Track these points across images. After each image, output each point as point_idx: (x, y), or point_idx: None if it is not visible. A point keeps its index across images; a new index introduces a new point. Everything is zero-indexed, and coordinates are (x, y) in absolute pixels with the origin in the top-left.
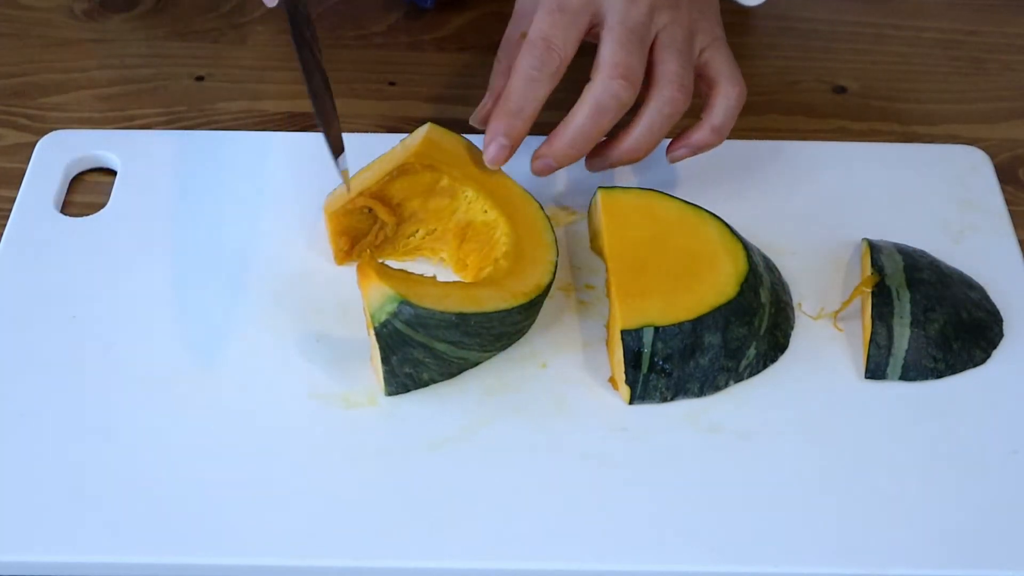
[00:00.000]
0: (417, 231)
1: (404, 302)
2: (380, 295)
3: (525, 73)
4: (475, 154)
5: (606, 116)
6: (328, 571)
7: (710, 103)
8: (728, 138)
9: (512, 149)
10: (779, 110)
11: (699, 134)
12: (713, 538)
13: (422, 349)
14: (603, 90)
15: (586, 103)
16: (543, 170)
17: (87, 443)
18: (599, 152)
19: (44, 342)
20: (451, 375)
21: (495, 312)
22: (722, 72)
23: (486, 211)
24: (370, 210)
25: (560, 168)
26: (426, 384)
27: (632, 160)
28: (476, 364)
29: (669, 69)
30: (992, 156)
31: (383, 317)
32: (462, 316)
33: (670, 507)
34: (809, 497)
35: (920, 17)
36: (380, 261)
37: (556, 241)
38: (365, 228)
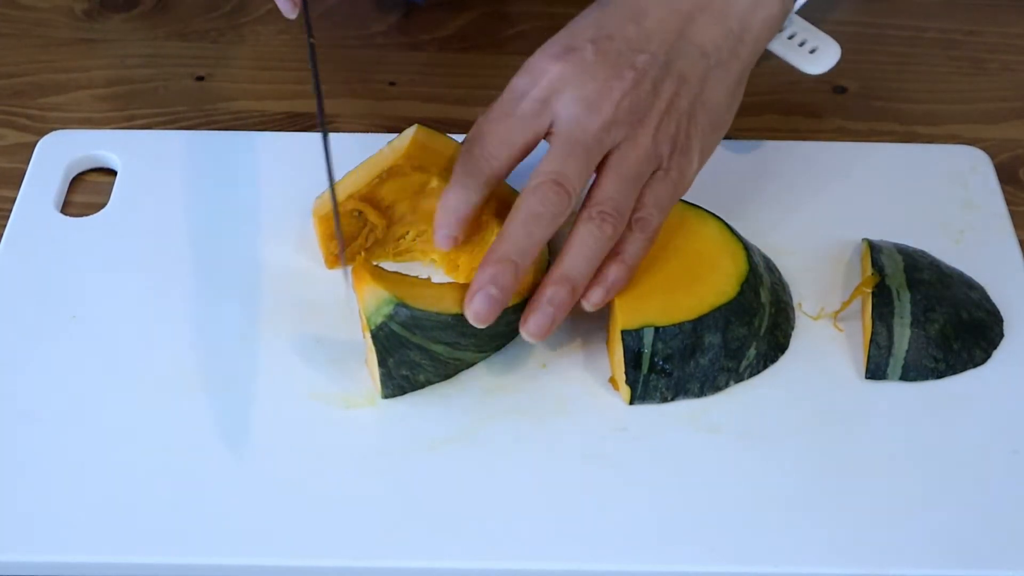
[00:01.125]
0: (407, 233)
1: (400, 304)
2: (376, 298)
3: (530, 211)
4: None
5: (538, 224)
6: (328, 571)
7: (622, 238)
8: (729, 138)
9: (503, 304)
10: (779, 110)
11: (613, 273)
12: (713, 538)
13: (418, 351)
14: (533, 196)
15: (517, 210)
16: (485, 305)
17: (86, 443)
18: (538, 295)
19: (44, 342)
20: (447, 376)
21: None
22: (645, 208)
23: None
24: (359, 213)
25: (503, 297)
26: (422, 386)
27: (570, 293)
28: (471, 365)
29: (603, 193)
30: (992, 156)
31: (379, 320)
32: (458, 317)
33: (670, 507)
34: (809, 497)
35: (920, 17)
36: (374, 263)
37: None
38: (355, 231)
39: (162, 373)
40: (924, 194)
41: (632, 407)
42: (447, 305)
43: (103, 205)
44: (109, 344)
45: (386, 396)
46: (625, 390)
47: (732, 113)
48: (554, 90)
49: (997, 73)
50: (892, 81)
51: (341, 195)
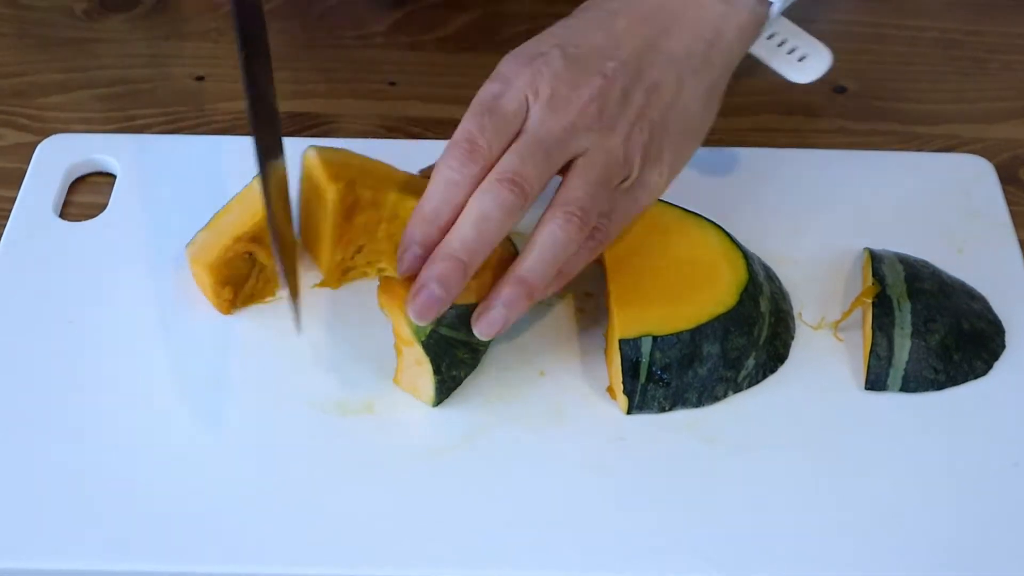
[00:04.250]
0: (350, 253)
1: None
2: None
3: (482, 209)
4: (363, 159)
5: (489, 223)
6: None
7: (528, 240)
8: (727, 145)
9: (446, 303)
10: (779, 110)
11: (506, 289)
12: (711, 548)
13: (464, 347)
14: (487, 194)
15: (470, 208)
16: (428, 303)
17: (83, 448)
18: (494, 293)
19: (41, 346)
20: (474, 368)
21: None
22: (605, 218)
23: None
24: (249, 255)
25: (447, 296)
26: (461, 383)
27: (526, 295)
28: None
29: (569, 194)
30: (992, 156)
31: (428, 329)
32: None
33: (668, 517)
34: (808, 508)
35: (920, 17)
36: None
37: None
38: (245, 272)
39: (160, 378)
40: (926, 203)
41: (630, 416)
42: (479, 292)
43: (102, 206)
44: (107, 348)
45: (438, 403)
46: (623, 399)
47: (707, 123)
48: (523, 95)
49: (997, 73)
50: (892, 81)
51: (225, 238)
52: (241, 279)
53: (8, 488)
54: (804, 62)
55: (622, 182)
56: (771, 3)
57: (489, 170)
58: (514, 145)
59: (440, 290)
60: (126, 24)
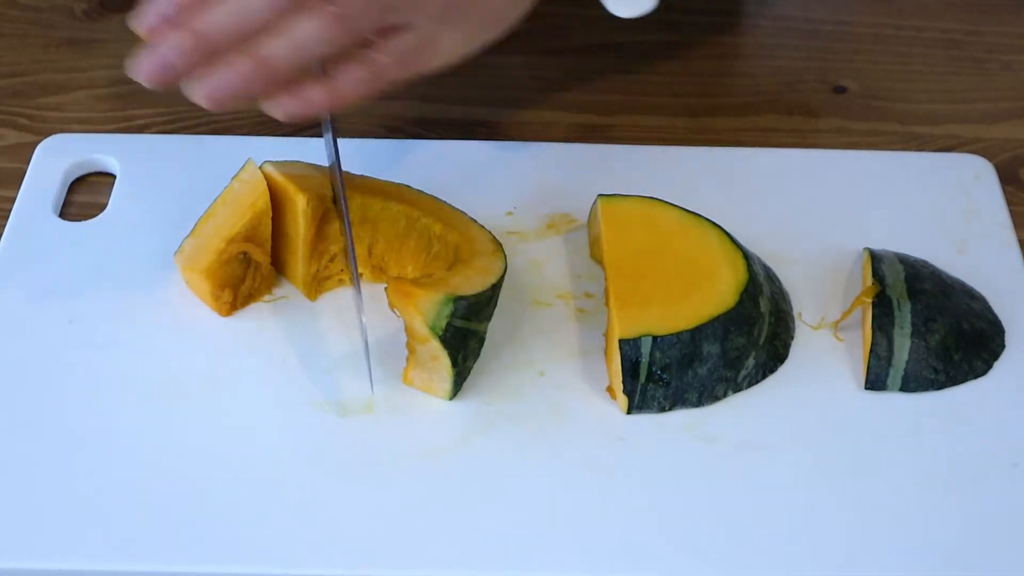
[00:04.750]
0: (324, 263)
1: (458, 298)
2: (433, 304)
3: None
4: (317, 167)
5: (247, 12)
6: None
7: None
8: (727, 145)
9: (171, 74)
10: (779, 110)
11: (314, 92)
12: (711, 549)
13: (475, 337)
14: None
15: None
16: (151, 65)
17: (82, 449)
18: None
19: (41, 346)
20: (479, 356)
21: (503, 274)
22: (382, 50)
23: (381, 208)
24: (244, 255)
25: (178, 65)
26: (469, 373)
27: (263, 66)
28: None
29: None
30: (992, 156)
31: (443, 323)
32: (494, 287)
33: (668, 517)
34: (808, 508)
35: (920, 17)
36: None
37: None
38: (241, 274)
39: (160, 378)
40: (926, 203)
41: (630, 416)
42: (477, 284)
43: (102, 206)
44: (106, 349)
45: (453, 396)
46: (623, 399)
47: (512, 14)
48: None
49: (997, 73)
50: (892, 81)
51: (217, 241)
52: (237, 280)
53: (8, 488)
54: None
55: (408, 25)
56: None
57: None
58: None
59: (173, 54)
60: (126, 24)
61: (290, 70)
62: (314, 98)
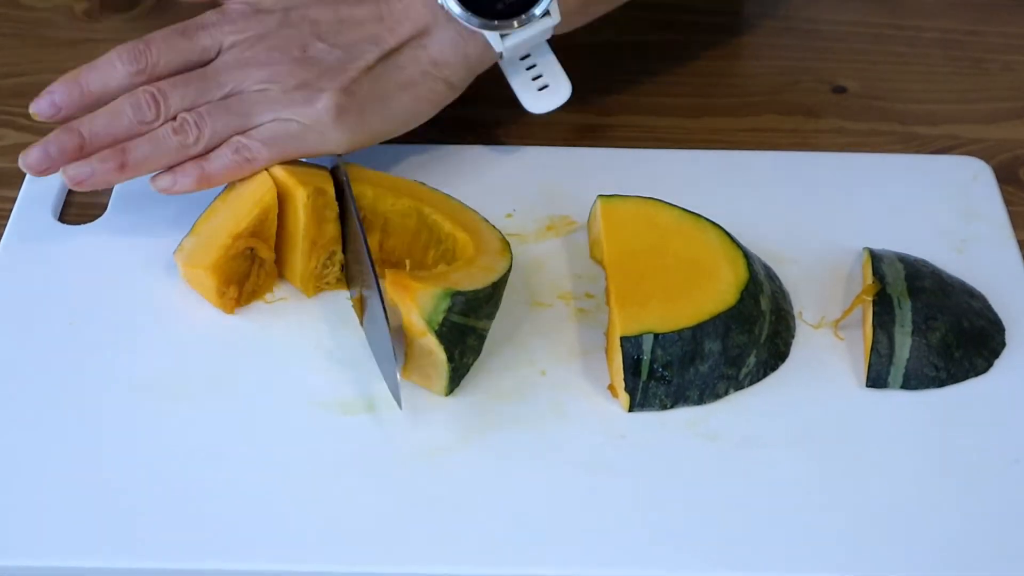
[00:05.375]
0: (322, 260)
1: (456, 293)
2: (431, 298)
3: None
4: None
5: (120, 120)
6: None
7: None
8: (727, 146)
9: (52, 163)
10: (779, 110)
11: (188, 170)
12: (712, 546)
13: (473, 334)
14: (130, 97)
15: (115, 103)
16: (36, 157)
17: (83, 450)
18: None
19: (41, 348)
20: (479, 354)
21: (506, 273)
22: (252, 136)
23: (392, 203)
24: (251, 250)
25: (57, 158)
26: (468, 370)
27: (76, 147)
28: None
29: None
30: (992, 156)
31: (440, 317)
32: (495, 285)
33: (669, 515)
34: (809, 506)
35: (920, 17)
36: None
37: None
38: (246, 270)
39: (160, 379)
40: (926, 203)
41: (631, 414)
42: (478, 280)
43: (103, 207)
44: (107, 350)
45: (450, 392)
46: (624, 397)
47: (406, 113)
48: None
49: (997, 73)
50: (892, 81)
51: (222, 237)
52: (242, 277)
53: (8, 488)
54: (543, 92)
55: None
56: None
57: (148, 80)
58: (184, 75)
59: (54, 150)
60: (126, 24)
61: (155, 167)
62: (183, 178)
